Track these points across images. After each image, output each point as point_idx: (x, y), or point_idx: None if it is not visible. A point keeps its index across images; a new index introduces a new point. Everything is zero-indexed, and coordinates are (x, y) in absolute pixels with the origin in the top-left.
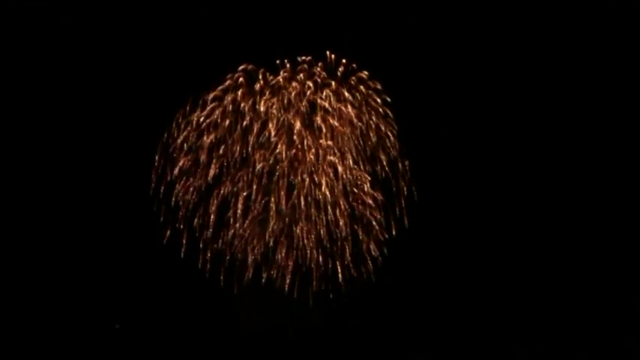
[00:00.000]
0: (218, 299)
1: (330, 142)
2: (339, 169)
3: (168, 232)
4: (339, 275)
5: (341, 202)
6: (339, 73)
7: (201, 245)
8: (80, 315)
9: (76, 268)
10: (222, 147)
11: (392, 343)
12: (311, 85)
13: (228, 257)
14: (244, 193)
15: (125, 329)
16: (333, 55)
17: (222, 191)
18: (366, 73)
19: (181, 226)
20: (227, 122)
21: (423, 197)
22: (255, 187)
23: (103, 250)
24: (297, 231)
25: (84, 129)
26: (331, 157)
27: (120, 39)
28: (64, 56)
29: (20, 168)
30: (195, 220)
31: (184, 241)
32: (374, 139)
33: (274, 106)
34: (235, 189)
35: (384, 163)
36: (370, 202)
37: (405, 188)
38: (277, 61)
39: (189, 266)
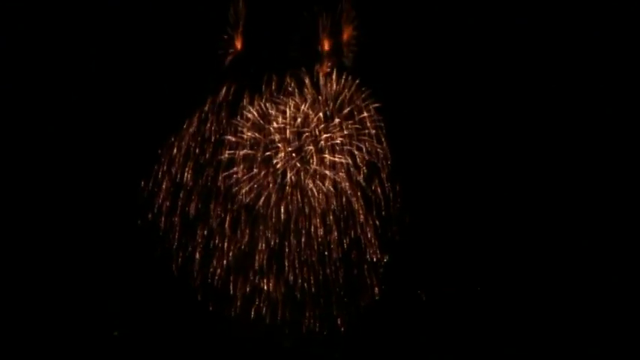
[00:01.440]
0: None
1: (324, 161)
2: (330, 194)
3: (159, 254)
4: (333, 306)
5: (333, 228)
6: (328, 89)
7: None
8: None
9: (74, 281)
10: (205, 175)
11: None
12: (299, 102)
13: (216, 286)
14: (228, 223)
15: (124, 335)
16: (322, 68)
17: (207, 221)
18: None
19: (172, 249)
20: (210, 148)
21: (416, 220)
22: (240, 216)
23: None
24: (287, 260)
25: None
26: (324, 172)
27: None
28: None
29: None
30: (182, 248)
31: (174, 267)
32: (366, 157)
33: (260, 131)
34: (220, 219)
35: (376, 184)
36: (363, 222)
37: (396, 211)
38: (264, 78)
39: (183, 283)
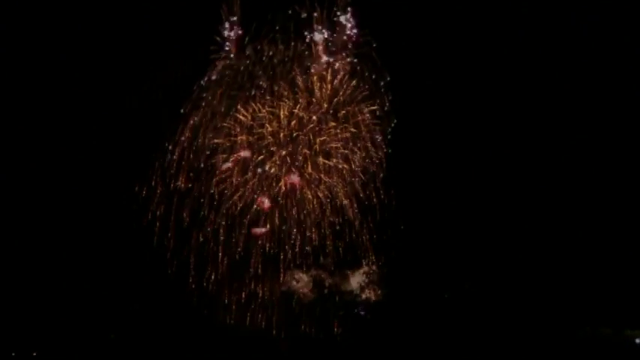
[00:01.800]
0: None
1: (318, 165)
2: (325, 198)
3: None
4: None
5: (328, 233)
6: (323, 91)
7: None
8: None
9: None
10: (197, 188)
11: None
12: (292, 105)
13: (211, 291)
14: (222, 229)
15: (120, 339)
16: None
17: (202, 226)
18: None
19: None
20: (204, 154)
21: (410, 223)
22: (235, 221)
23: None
24: (282, 266)
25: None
26: (319, 177)
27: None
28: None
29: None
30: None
31: (170, 272)
32: (360, 162)
33: (254, 135)
34: (215, 224)
35: (371, 188)
36: (358, 227)
37: (391, 215)
38: (258, 80)
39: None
